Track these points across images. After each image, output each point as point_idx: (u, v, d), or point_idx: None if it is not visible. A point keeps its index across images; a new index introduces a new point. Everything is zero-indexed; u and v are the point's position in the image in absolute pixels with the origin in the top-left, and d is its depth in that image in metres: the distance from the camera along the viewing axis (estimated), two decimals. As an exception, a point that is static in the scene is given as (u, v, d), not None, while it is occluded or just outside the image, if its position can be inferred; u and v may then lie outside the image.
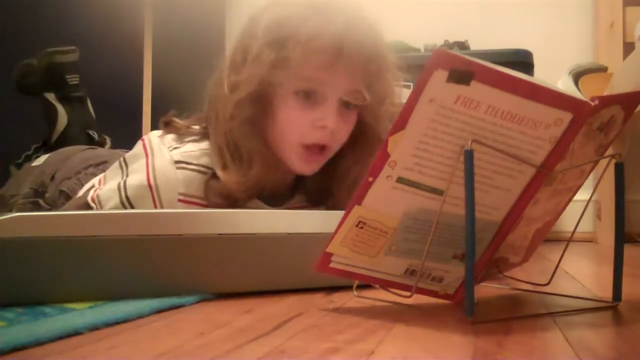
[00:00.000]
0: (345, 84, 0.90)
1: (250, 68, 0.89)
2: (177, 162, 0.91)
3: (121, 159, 0.96)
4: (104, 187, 0.93)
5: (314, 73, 0.88)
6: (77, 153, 1.22)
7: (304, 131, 0.91)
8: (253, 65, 0.89)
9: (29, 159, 1.50)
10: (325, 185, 1.00)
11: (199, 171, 0.92)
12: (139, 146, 0.95)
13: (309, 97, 0.90)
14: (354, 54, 0.88)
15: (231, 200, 0.92)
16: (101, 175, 0.99)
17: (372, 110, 0.95)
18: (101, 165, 1.11)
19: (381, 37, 0.93)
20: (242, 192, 0.92)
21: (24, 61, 1.66)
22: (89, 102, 1.71)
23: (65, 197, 1.08)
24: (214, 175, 0.92)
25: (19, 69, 1.67)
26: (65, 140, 1.60)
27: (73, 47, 1.67)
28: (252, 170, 0.91)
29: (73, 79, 1.65)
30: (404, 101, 0.58)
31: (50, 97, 1.64)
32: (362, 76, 0.91)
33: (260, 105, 0.91)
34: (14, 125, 1.73)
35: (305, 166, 0.94)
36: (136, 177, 0.91)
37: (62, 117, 1.65)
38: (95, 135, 1.63)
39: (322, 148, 0.93)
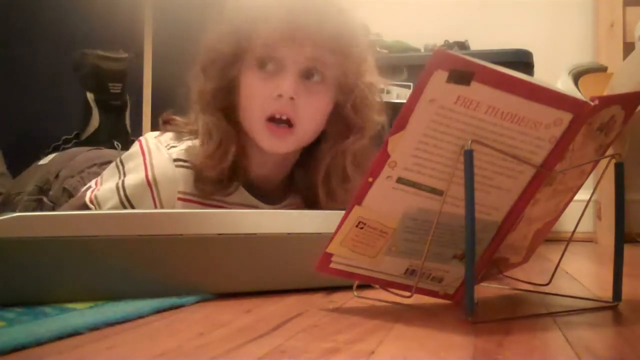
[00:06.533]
0: (305, 54, 0.90)
1: (210, 41, 0.94)
2: (175, 160, 0.91)
3: (117, 159, 0.96)
4: (101, 188, 0.93)
5: (270, 41, 0.90)
6: (82, 153, 1.22)
7: (262, 102, 0.91)
8: (214, 37, 0.94)
9: (57, 149, 1.52)
10: (309, 179, 1.00)
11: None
12: (135, 146, 0.95)
13: (267, 66, 0.91)
14: (309, 24, 0.89)
15: (215, 184, 0.92)
16: (98, 177, 0.99)
17: (344, 89, 0.94)
18: (105, 165, 1.11)
19: (346, 14, 0.94)
20: (212, 169, 0.91)
21: (80, 50, 1.68)
22: (127, 113, 1.74)
23: (68, 195, 1.08)
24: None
25: (73, 58, 1.71)
26: (92, 142, 1.63)
27: (124, 56, 1.71)
28: (211, 142, 0.91)
29: (115, 88, 1.70)
30: (404, 101, 0.58)
31: (90, 97, 1.69)
32: (326, 49, 0.91)
33: (224, 83, 0.93)
34: (48, 116, 1.76)
35: (274, 142, 0.92)
36: (134, 176, 0.91)
37: (95, 120, 1.69)
38: (119, 147, 1.64)
39: (289, 123, 0.91)
